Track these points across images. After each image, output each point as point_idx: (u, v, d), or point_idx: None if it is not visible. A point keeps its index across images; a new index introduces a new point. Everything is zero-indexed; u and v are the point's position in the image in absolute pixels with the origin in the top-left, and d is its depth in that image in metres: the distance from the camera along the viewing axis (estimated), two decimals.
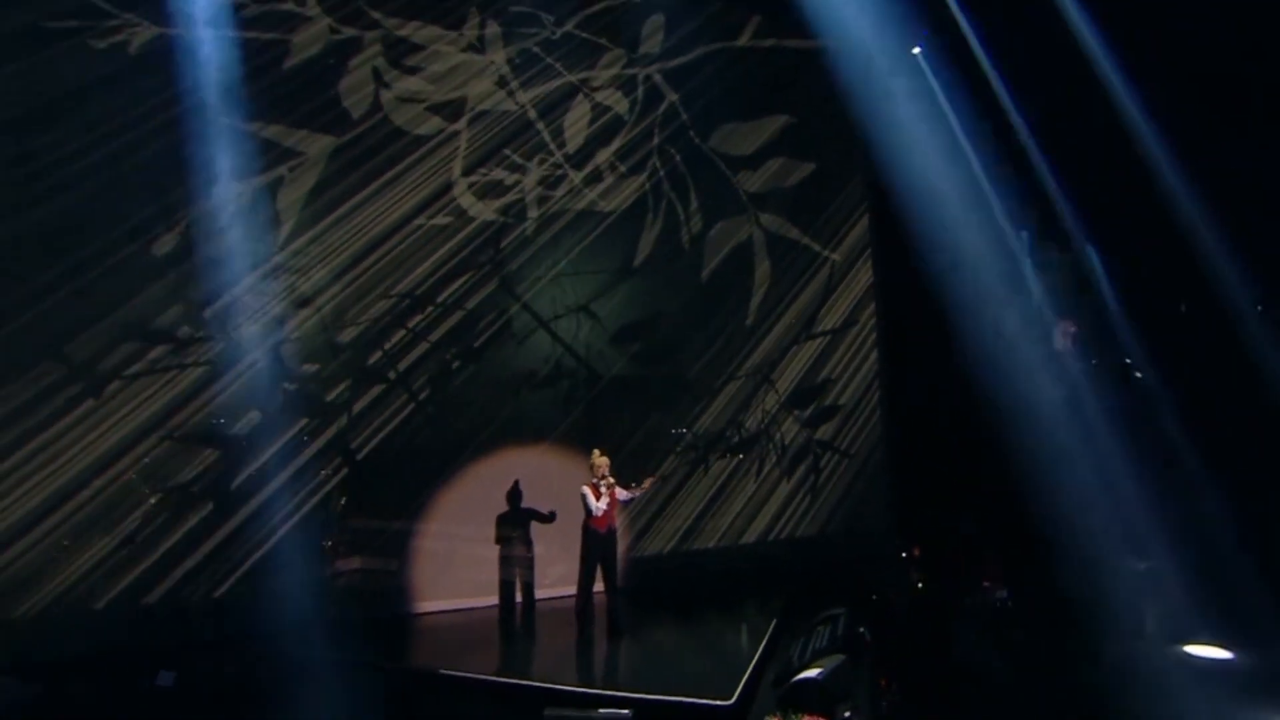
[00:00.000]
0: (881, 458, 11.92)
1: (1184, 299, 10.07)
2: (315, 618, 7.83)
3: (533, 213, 10.17)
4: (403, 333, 9.45)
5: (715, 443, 10.98)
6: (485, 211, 9.93)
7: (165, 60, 8.31)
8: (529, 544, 8.96)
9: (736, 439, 11.15)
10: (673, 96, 10.89)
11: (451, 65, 9.77)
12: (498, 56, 10.02)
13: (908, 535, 10.88)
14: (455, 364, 9.70)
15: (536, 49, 10.18)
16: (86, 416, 8.04)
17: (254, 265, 8.68)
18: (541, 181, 10.22)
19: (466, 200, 9.85)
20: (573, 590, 8.25)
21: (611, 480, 8.13)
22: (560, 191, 10.29)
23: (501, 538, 8.94)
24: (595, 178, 10.48)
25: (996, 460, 9.18)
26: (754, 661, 7.14)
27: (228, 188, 8.52)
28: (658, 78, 10.85)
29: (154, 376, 8.34)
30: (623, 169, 10.64)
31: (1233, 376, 9.12)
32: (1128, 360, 10.32)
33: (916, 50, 10.96)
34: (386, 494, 9.21)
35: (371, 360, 9.32)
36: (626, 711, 5.91)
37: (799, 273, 11.62)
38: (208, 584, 8.35)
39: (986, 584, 8.79)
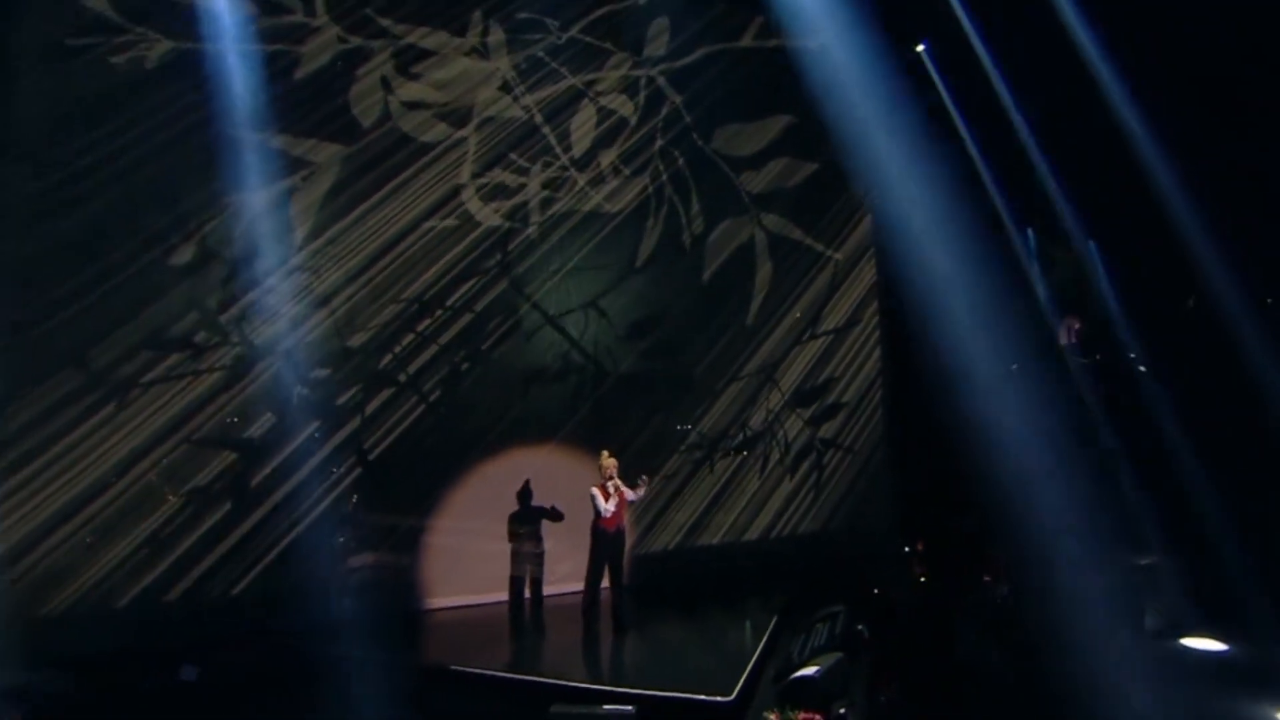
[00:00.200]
0: (884, 455, 12.00)
1: (1187, 297, 10.07)
2: (330, 614, 8.06)
3: (537, 216, 10.31)
4: (412, 336, 9.63)
5: (720, 440, 11.11)
6: (492, 216, 10.08)
7: (182, 73, 8.50)
8: (539, 540, 9.09)
9: (741, 437, 11.28)
10: (676, 99, 10.98)
11: (458, 72, 9.90)
12: (503, 62, 10.14)
13: (910, 532, 10.94)
14: (464, 366, 9.88)
15: (542, 54, 10.29)
16: (108, 421, 8.25)
17: (269, 272, 8.86)
18: (548, 185, 10.36)
19: (474, 205, 10.00)
20: (579, 586, 8.45)
21: (619, 481, 8.29)
22: (565, 194, 10.42)
23: (513, 535, 9.10)
24: (599, 180, 10.60)
25: (996, 460, 9.24)
26: (755, 658, 7.25)
27: (243, 197, 8.71)
28: (661, 80, 10.93)
29: (173, 382, 8.55)
30: (626, 171, 10.75)
31: (1232, 376, 9.16)
32: (1131, 355, 10.37)
33: (920, 48, 11.02)
34: (398, 492, 9.41)
35: (383, 364, 9.50)
36: (630, 709, 5.99)
37: (802, 272, 11.69)
38: (226, 582, 8.56)
39: (988, 580, 8.85)
